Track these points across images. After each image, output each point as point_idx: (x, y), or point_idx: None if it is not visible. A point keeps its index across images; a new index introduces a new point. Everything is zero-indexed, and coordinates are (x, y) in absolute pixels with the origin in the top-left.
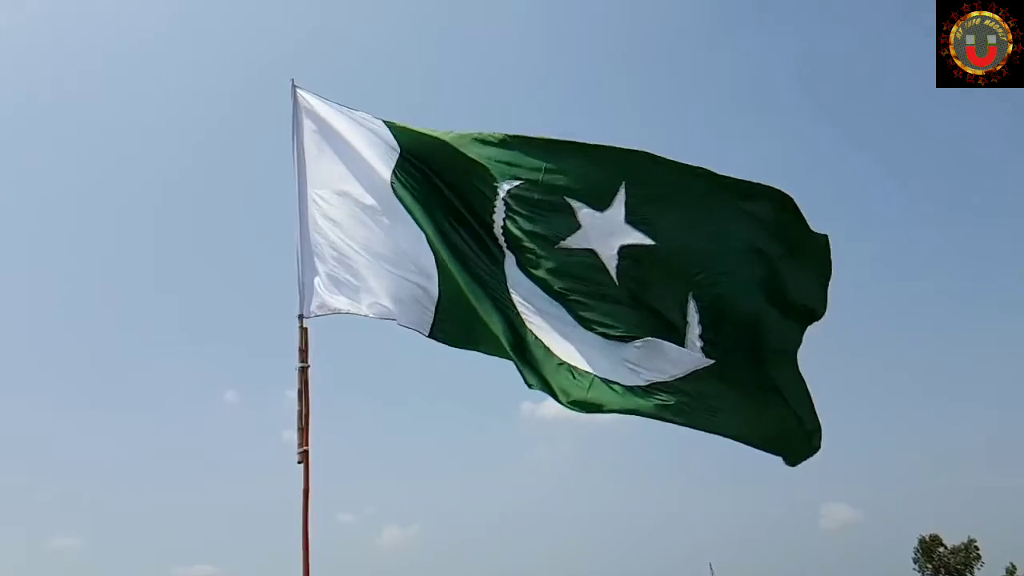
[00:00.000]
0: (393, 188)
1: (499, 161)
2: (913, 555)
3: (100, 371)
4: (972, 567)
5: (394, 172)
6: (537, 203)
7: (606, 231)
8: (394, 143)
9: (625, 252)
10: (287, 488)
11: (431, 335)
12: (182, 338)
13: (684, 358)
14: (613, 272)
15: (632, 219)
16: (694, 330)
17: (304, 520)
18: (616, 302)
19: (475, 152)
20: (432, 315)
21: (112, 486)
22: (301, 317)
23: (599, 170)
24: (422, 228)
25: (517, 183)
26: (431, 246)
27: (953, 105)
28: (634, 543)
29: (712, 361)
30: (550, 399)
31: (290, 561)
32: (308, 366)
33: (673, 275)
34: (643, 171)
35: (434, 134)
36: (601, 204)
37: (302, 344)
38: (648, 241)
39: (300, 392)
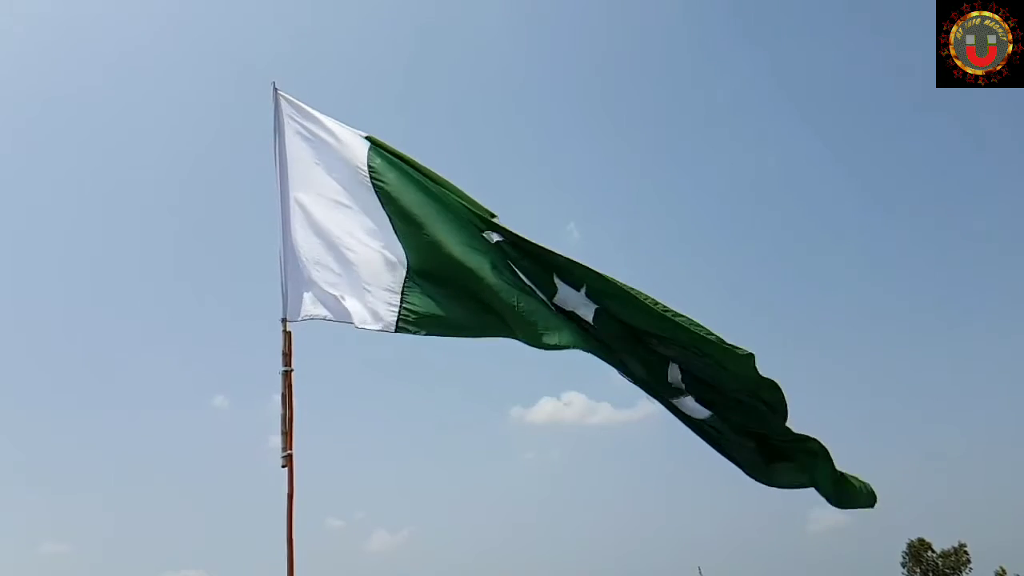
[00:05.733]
0: (376, 191)
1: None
2: (901, 559)
3: (90, 375)
4: (961, 571)
5: (372, 174)
6: (522, 257)
7: (581, 303)
8: (371, 153)
9: (599, 319)
10: (275, 493)
11: (397, 329)
12: (172, 342)
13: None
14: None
15: (596, 301)
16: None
17: (288, 524)
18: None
19: (454, 196)
20: (397, 310)
21: (102, 491)
22: (284, 321)
23: (567, 261)
24: (400, 229)
25: (499, 238)
26: (405, 248)
27: (953, 106)
28: (623, 547)
29: (710, 413)
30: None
31: (278, 565)
32: (292, 370)
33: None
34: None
35: (416, 163)
36: (576, 285)
37: (286, 348)
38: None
39: (284, 396)
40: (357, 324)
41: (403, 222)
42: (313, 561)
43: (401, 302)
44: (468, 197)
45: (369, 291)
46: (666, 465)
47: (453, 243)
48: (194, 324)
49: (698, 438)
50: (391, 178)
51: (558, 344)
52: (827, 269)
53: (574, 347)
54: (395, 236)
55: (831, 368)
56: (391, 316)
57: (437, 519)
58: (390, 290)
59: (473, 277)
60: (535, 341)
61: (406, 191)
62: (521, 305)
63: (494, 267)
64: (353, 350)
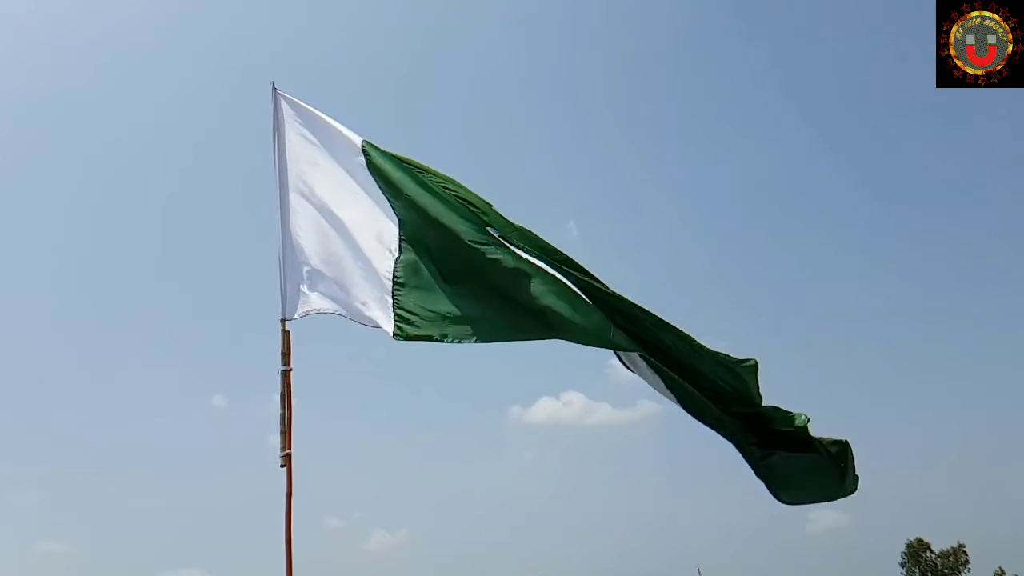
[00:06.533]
0: (380, 188)
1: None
2: (900, 559)
3: (88, 375)
4: (960, 571)
5: (371, 173)
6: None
7: None
8: (368, 153)
9: None
10: (273, 492)
11: (395, 336)
12: (170, 342)
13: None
14: None
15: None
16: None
17: (287, 524)
18: None
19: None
20: (393, 315)
21: (100, 490)
22: (283, 320)
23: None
24: (401, 228)
25: (496, 233)
26: (405, 247)
27: (953, 106)
28: (623, 547)
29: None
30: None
31: (276, 565)
32: (291, 369)
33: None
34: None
35: (412, 161)
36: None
37: (285, 347)
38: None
39: (283, 396)
40: (355, 319)
41: (411, 220)
42: (311, 560)
43: (395, 307)
44: (465, 189)
45: (371, 290)
46: (665, 465)
47: (465, 242)
48: (193, 323)
49: (697, 439)
50: (396, 176)
51: (629, 347)
52: (827, 269)
53: (632, 350)
54: (402, 235)
55: (831, 367)
56: (390, 318)
57: (435, 519)
58: (387, 291)
59: (499, 274)
60: (601, 341)
61: (410, 189)
62: (564, 303)
63: (516, 266)
64: (352, 350)
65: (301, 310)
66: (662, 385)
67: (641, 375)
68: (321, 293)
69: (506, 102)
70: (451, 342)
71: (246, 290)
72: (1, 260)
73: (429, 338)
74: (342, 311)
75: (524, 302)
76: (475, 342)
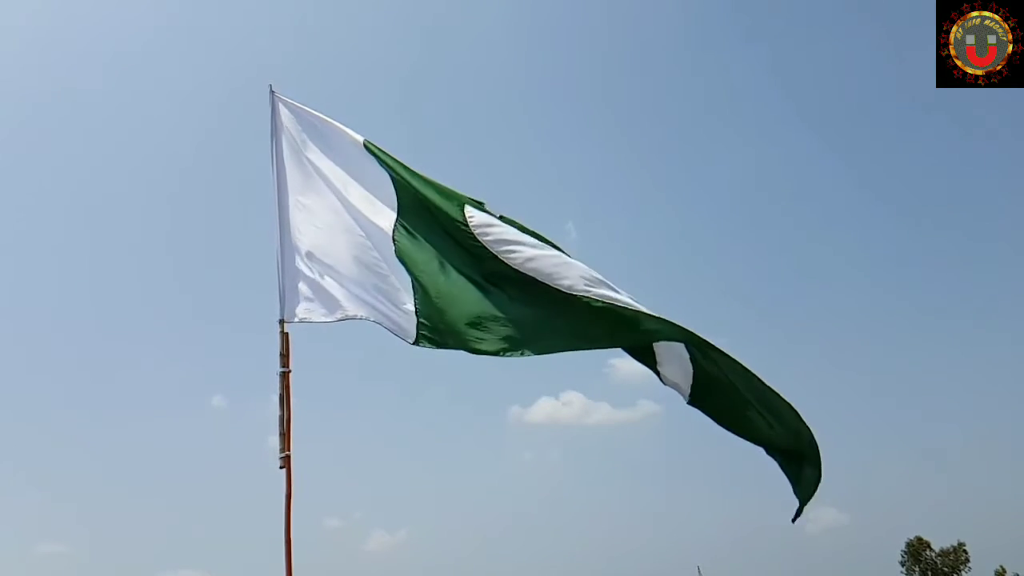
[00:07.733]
0: (383, 181)
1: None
2: (900, 558)
3: (88, 375)
4: (960, 570)
5: (380, 166)
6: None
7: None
8: (368, 153)
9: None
10: (273, 493)
11: (416, 342)
12: (170, 342)
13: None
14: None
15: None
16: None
17: (287, 525)
18: None
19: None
20: (415, 322)
21: (99, 491)
22: (282, 322)
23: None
24: (405, 221)
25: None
26: (413, 243)
27: (953, 106)
28: (622, 547)
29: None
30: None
31: (276, 565)
32: (290, 371)
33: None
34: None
35: (408, 167)
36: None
37: (283, 349)
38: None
39: (282, 397)
40: (359, 317)
41: (417, 214)
42: (311, 561)
43: (417, 315)
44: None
45: (367, 292)
46: (665, 465)
47: (460, 227)
48: (193, 324)
49: (697, 439)
50: (399, 170)
51: (676, 336)
52: (826, 269)
53: (681, 340)
54: (409, 230)
55: (831, 367)
56: (394, 318)
57: (435, 519)
58: (407, 292)
59: (511, 277)
60: (665, 334)
61: (414, 184)
62: (602, 301)
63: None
64: (351, 350)
65: (299, 312)
66: (688, 387)
67: (672, 368)
68: (320, 298)
69: (506, 102)
70: (507, 355)
71: (246, 291)
72: (1, 260)
73: (491, 351)
74: (343, 313)
75: (549, 310)
76: (525, 355)
